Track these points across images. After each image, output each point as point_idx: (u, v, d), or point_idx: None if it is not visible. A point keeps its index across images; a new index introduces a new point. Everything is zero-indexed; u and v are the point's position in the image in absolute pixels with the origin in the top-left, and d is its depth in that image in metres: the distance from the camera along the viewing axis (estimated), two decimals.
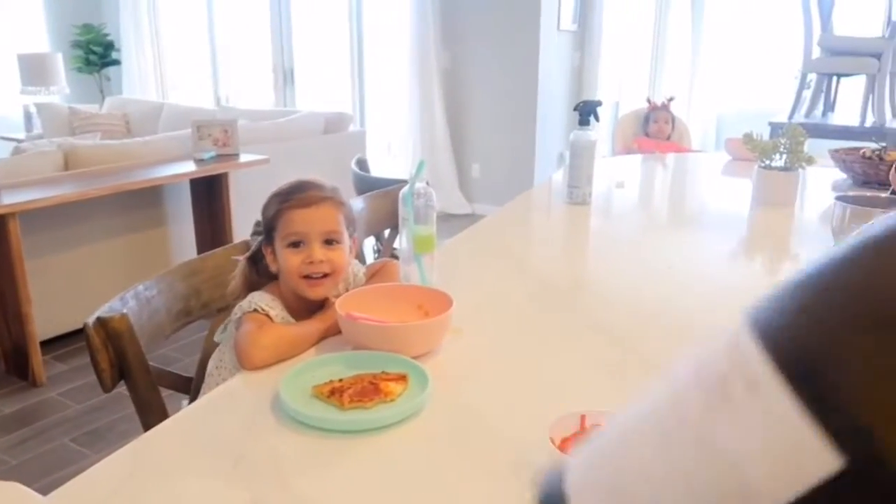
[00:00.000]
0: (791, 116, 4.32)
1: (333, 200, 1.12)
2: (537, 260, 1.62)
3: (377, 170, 2.95)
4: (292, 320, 1.13)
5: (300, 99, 5.82)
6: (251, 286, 1.18)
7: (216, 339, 1.19)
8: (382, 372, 0.91)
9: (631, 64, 5.78)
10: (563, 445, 0.70)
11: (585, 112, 1.87)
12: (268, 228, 1.13)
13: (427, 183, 1.17)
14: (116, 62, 6.25)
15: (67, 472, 2.19)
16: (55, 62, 5.37)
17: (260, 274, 1.18)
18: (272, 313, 1.07)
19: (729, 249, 1.72)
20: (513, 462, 0.76)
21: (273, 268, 1.14)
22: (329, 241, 1.11)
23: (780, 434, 0.18)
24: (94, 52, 6.12)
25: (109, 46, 6.23)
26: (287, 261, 1.10)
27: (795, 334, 0.19)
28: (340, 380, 0.89)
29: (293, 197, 1.10)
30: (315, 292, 1.11)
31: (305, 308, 1.14)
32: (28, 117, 5.38)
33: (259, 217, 1.17)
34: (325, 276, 1.10)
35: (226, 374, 1.15)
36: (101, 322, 0.98)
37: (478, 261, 1.54)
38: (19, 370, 2.72)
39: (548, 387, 0.96)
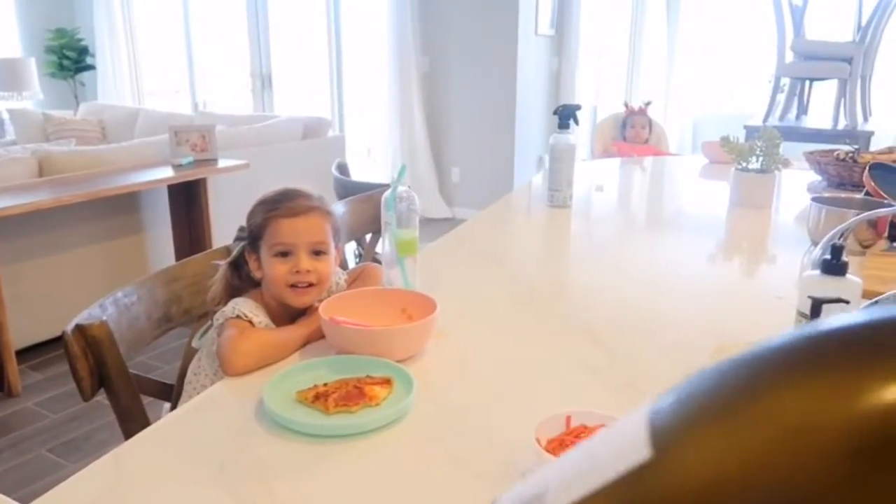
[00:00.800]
0: (766, 120, 4.39)
1: (321, 210, 1.12)
2: (519, 263, 1.63)
3: (357, 174, 2.94)
4: (275, 327, 1.12)
5: (278, 104, 5.79)
6: (232, 292, 1.17)
7: (194, 344, 1.18)
8: (367, 376, 0.90)
9: (608, 68, 5.83)
10: (550, 446, 0.70)
11: (565, 116, 1.89)
12: (253, 236, 1.13)
13: (409, 187, 1.17)
14: (91, 67, 6.17)
15: (45, 483, 2.16)
16: (28, 67, 5.29)
17: (242, 279, 1.17)
18: (255, 320, 1.07)
19: (706, 251, 1.74)
20: (500, 463, 0.76)
21: (257, 275, 1.14)
22: (316, 252, 1.11)
23: (630, 425, 0.25)
24: (67, 58, 6.04)
25: (84, 51, 6.15)
26: (273, 270, 1.10)
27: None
28: (325, 384, 0.88)
29: (281, 206, 1.10)
30: (300, 301, 1.11)
31: (288, 315, 1.13)
32: (0, 123, 5.29)
33: (242, 222, 1.16)
34: (311, 285, 1.10)
35: (204, 381, 1.14)
36: (81, 329, 0.97)
37: (460, 264, 1.54)
38: None
39: (532, 388, 0.96)
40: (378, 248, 1.98)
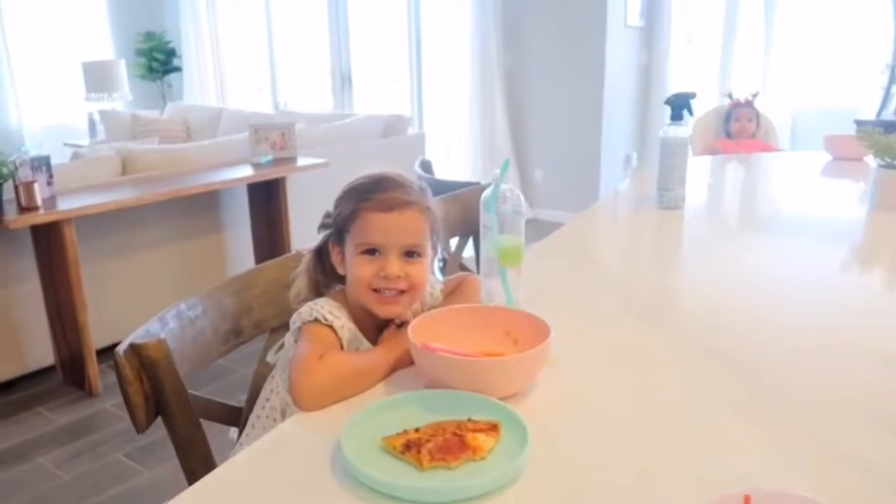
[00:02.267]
0: (879, 113, 3.99)
1: (419, 206, 0.95)
2: (631, 273, 1.42)
3: (436, 174, 2.80)
4: (360, 335, 0.96)
5: (358, 103, 5.74)
6: (316, 287, 1.02)
7: (269, 359, 1.04)
8: (468, 419, 0.73)
9: (700, 61, 5.48)
10: None
11: (678, 105, 1.67)
12: (339, 226, 0.97)
13: (513, 185, 0.99)
14: (178, 69, 6.29)
15: (119, 491, 2.10)
16: (118, 69, 5.41)
17: (326, 273, 1.02)
18: (336, 323, 0.91)
19: (841, 259, 1.50)
20: None
21: (340, 270, 0.99)
22: (409, 253, 0.94)
23: None
24: (156, 60, 6.17)
25: (171, 54, 6.27)
26: (358, 269, 0.94)
27: None
28: (416, 430, 0.71)
29: (373, 196, 0.93)
30: (386, 310, 0.94)
31: (374, 322, 0.97)
32: (92, 124, 5.43)
33: (329, 209, 1.00)
34: (401, 292, 0.94)
35: (274, 402, 1.00)
36: (135, 349, 0.83)
37: (562, 274, 1.35)
38: (76, 380, 2.67)
39: (674, 438, 0.76)
40: (465, 255, 1.81)
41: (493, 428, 0.72)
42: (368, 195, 0.94)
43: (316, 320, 0.91)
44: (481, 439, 0.69)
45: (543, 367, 0.84)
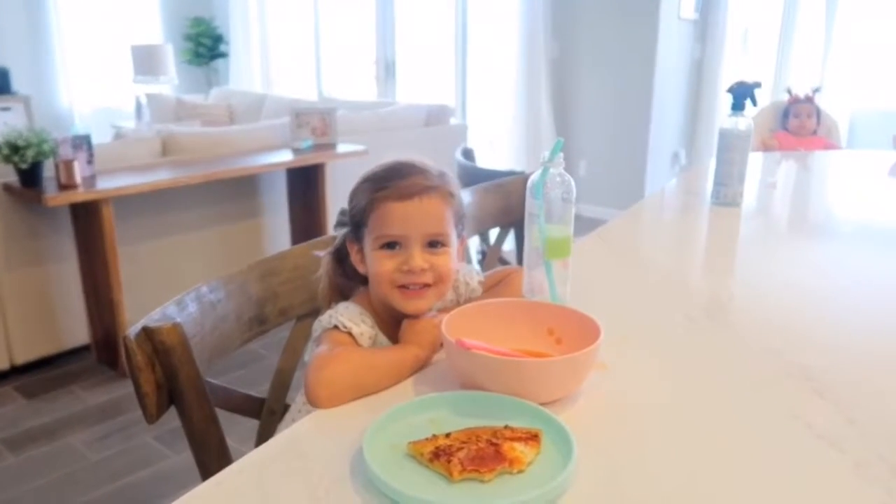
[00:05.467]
0: None
1: (441, 191, 0.87)
2: (688, 273, 1.32)
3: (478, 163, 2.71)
4: (385, 340, 0.89)
5: (401, 92, 5.68)
6: (339, 290, 0.96)
7: (307, 358, 0.98)
8: (506, 426, 0.65)
9: (757, 57, 5.28)
10: None
11: (740, 95, 1.56)
12: (355, 221, 0.90)
13: (564, 169, 0.90)
14: (224, 55, 6.31)
15: (147, 474, 2.08)
16: (165, 53, 5.45)
17: (348, 275, 0.95)
18: (355, 330, 0.85)
19: None
20: None
21: (360, 269, 0.92)
22: (433, 244, 0.87)
23: None
24: (203, 45, 6.20)
25: (218, 39, 6.30)
26: (378, 265, 0.87)
27: None
28: (447, 435, 0.64)
29: (390, 184, 0.86)
30: (412, 306, 0.87)
31: (401, 323, 0.90)
32: (139, 107, 5.48)
33: (345, 205, 0.94)
34: (427, 286, 0.86)
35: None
36: (148, 333, 0.78)
37: (610, 272, 1.26)
38: (110, 359, 2.67)
39: (742, 461, 0.67)
40: (505, 248, 1.72)
41: (533, 437, 0.64)
42: (386, 183, 0.87)
43: (335, 327, 0.85)
44: (519, 450, 0.61)
45: (591, 371, 0.76)
